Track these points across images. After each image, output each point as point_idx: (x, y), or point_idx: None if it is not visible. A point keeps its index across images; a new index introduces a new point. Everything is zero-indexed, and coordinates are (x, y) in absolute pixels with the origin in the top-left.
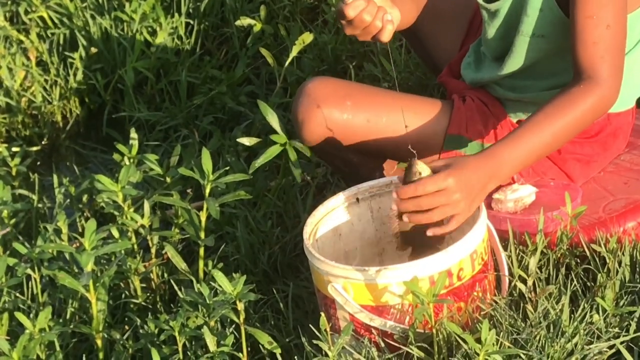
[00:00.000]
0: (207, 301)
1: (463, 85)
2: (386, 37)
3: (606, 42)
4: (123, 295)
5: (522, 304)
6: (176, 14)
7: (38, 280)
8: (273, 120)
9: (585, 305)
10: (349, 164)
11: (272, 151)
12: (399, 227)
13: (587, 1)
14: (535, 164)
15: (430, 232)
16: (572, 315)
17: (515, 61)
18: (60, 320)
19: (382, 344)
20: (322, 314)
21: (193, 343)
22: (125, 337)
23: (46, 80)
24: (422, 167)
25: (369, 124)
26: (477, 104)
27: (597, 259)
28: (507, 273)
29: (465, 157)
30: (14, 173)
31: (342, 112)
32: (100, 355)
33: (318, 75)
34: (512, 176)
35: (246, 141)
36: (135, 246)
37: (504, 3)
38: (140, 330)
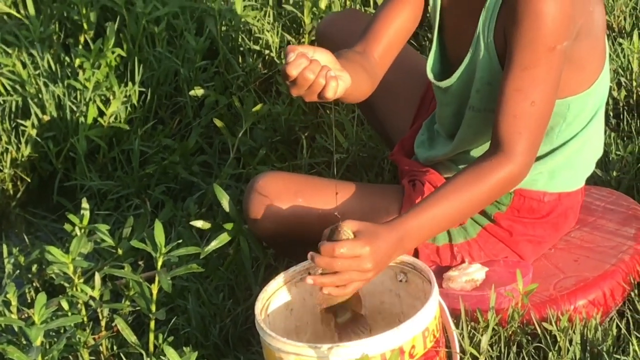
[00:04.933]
0: None
1: (415, 165)
2: (330, 93)
3: (527, 119)
4: None
5: None
6: (130, 83)
7: None
8: (226, 204)
9: None
10: (302, 255)
11: (223, 239)
12: (321, 300)
13: (519, 75)
14: (486, 248)
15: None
16: None
17: (467, 136)
18: None
19: None
20: None
21: None
22: None
23: None
24: (348, 233)
25: (320, 219)
26: (427, 188)
27: (549, 337)
28: (458, 350)
29: (376, 226)
30: None
31: (294, 209)
32: None
33: (268, 171)
34: (418, 246)
35: (199, 224)
36: (85, 318)
37: (454, 80)
38: None
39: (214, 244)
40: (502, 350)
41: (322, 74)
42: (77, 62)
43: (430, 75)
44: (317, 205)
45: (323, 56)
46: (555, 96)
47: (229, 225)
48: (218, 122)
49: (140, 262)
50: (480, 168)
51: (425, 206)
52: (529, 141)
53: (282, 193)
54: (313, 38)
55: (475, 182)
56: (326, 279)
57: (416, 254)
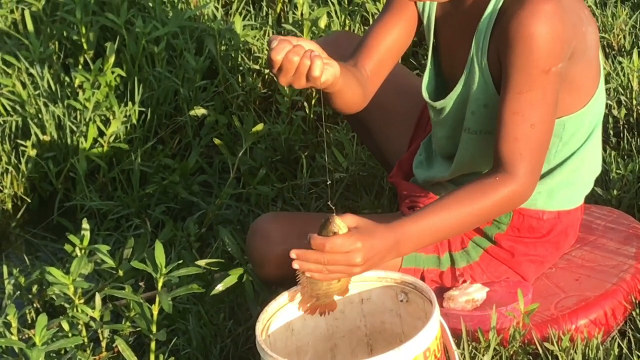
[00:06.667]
0: None
1: (414, 188)
2: (317, 71)
3: (528, 141)
4: None
5: None
6: (130, 103)
7: None
8: (232, 246)
9: None
10: None
11: (229, 281)
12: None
13: (517, 98)
14: (489, 270)
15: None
16: None
17: (465, 159)
18: None
19: None
20: None
21: None
22: None
23: None
24: (339, 225)
25: None
26: None
27: (550, 357)
28: None
29: (375, 224)
30: None
31: None
32: None
33: (269, 213)
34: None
35: (202, 263)
36: (86, 339)
37: (449, 101)
38: None
39: (219, 288)
40: None
41: (307, 54)
42: (77, 82)
43: (425, 95)
44: None
45: (307, 43)
46: (555, 117)
47: (234, 271)
48: (218, 142)
49: (141, 283)
50: (483, 184)
51: (426, 213)
52: (532, 162)
53: (285, 237)
54: None
55: (478, 197)
56: (312, 265)
57: (422, 279)
